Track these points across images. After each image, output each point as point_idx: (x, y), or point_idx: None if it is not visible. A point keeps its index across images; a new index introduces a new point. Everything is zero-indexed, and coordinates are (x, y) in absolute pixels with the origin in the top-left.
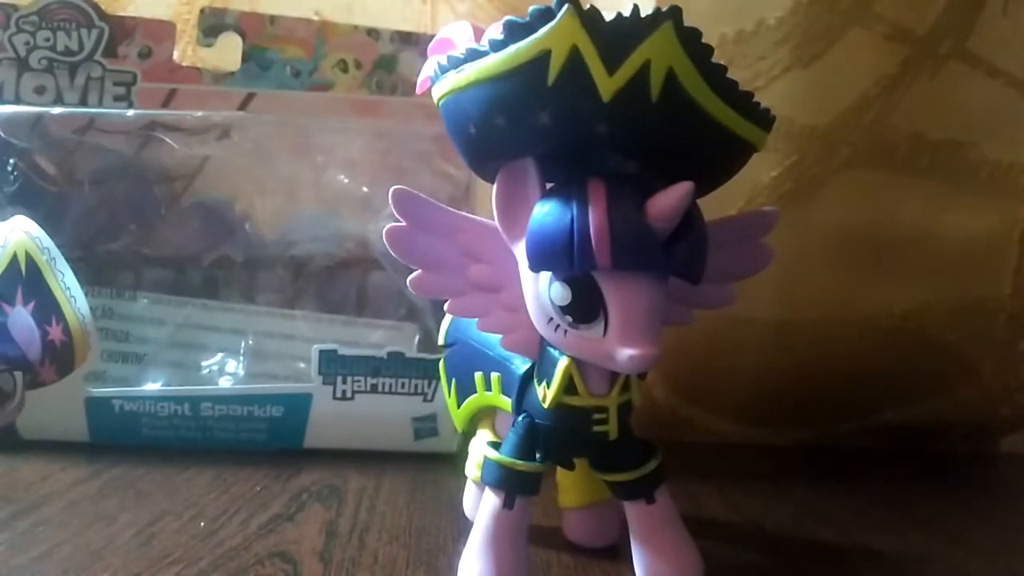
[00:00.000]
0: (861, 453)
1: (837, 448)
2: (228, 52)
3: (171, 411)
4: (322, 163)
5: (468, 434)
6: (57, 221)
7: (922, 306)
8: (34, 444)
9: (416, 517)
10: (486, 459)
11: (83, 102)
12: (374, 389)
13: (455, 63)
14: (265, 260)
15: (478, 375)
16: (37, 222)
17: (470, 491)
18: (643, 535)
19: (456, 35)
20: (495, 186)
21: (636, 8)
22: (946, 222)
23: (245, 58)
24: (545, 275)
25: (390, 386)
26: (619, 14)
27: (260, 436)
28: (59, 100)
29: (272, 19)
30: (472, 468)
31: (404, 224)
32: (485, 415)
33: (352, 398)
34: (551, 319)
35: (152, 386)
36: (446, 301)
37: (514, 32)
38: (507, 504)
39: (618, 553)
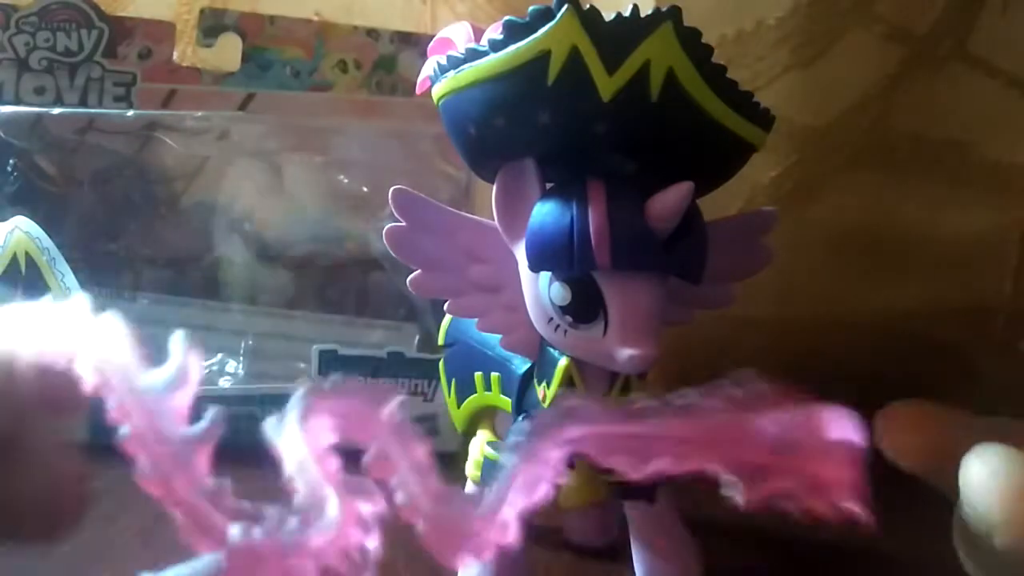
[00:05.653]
0: None
1: None
2: (228, 52)
3: None
4: (322, 163)
5: (468, 434)
6: (57, 221)
7: (922, 306)
8: None
9: None
10: (486, 459)
11: (83, 102)
12: None
13: (455, 63)
14: (265, 260)
15: (478, 375)
16: (37, 222)
17: (470, 491)
18: (643, 535)
19: (456, 35)
20: (495, 186)
21: (636, 8)
22: (946, 222)
23: (245, 58)
24: (545, 275)
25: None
26: (619, 14)
27: (260, 436)
28: (59, 100)
29: (272, 20)
30: (472, 468)
31: (404, 224)
32: (485, 415)
33: None
34: (551, 319)
35: None
36: (446, 301)
37: (514, 32)
38: None
39: (618, 553)
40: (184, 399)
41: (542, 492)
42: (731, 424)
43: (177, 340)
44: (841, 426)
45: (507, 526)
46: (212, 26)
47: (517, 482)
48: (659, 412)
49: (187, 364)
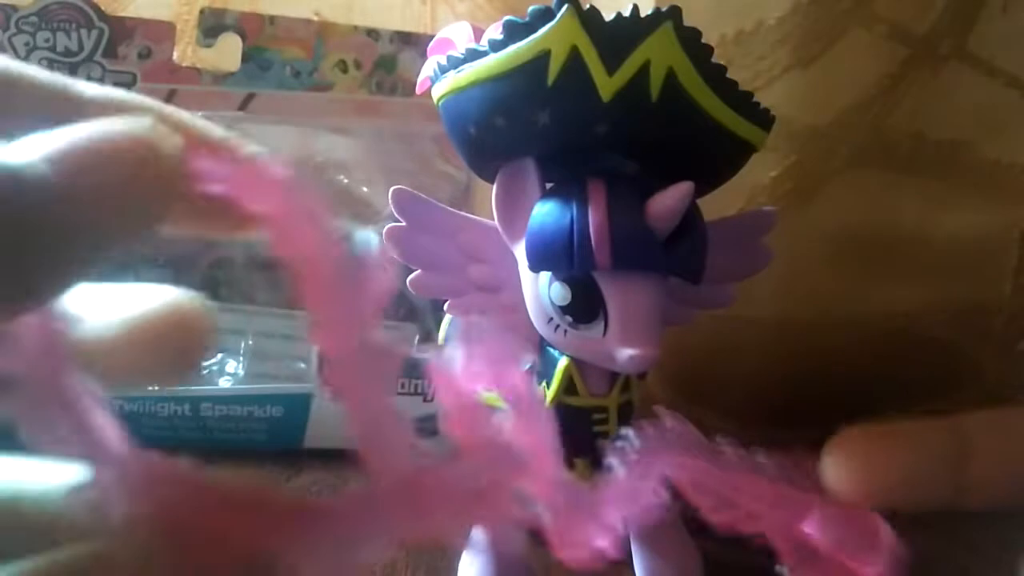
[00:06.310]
0: None
1: None
2: (228, 52)
3: (171, 411)
4: (322, 163)
5: None
6: None
7: (922, 306)
8: None
9: None
10: None
11: None
12: None
13: (455, 63)
14: (265, 260)
15: None
16: None
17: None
18: (643, 535)
19: (456, 35)
20: (495, 186)
21: (636, 8)
22: (946, 222)
23: (245, 58)
24: (545, 275)
25: None
26: (619, 14)
27: (260, 436)
28: None
29: (272, 19)
30: None
31: (404, 224)
32: None
33: None
34: (551, 319)
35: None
36: (446, 301)
37: (514, 32)
38: None
39: None
40: (380, 292)
41: (644, 502)
42: (800, 498)
43: (359, 236)
44: (887, 535)
45: (610, 529)
46: (212, 26)
47: (619, 489)
48: (739, 464)
49: (375, 252)
